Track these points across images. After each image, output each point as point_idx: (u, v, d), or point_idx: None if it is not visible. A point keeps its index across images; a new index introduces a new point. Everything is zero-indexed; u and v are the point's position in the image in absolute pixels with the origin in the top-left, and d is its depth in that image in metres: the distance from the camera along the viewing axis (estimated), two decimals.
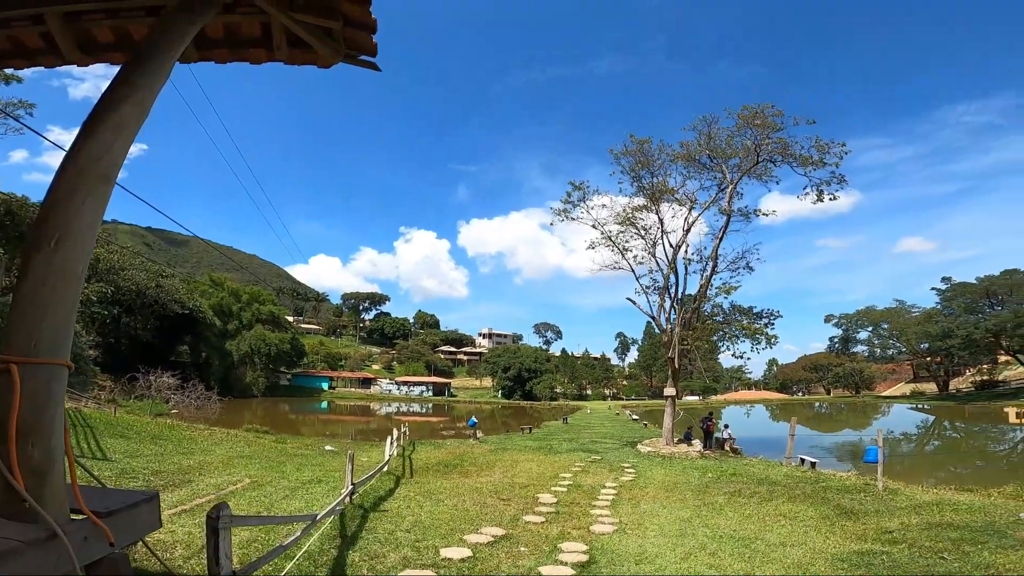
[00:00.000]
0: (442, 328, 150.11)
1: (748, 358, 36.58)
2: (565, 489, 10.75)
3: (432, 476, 12.30)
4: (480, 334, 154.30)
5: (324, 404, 72.40)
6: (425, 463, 14.33)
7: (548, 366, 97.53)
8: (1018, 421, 37.42)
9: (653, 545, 6.64)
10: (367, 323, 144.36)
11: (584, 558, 6.03)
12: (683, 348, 19.66)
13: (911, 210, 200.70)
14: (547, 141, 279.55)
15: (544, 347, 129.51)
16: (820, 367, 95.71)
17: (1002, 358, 59.68)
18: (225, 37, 3.48)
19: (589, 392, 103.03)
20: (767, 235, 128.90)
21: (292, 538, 5.33)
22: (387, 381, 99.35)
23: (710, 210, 20.26)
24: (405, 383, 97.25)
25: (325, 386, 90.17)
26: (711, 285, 19.56)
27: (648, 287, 20.69)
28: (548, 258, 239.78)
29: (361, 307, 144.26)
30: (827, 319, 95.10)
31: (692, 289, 20.29)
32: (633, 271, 20.86)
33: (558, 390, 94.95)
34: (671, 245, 20.06)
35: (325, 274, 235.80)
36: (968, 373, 68.07)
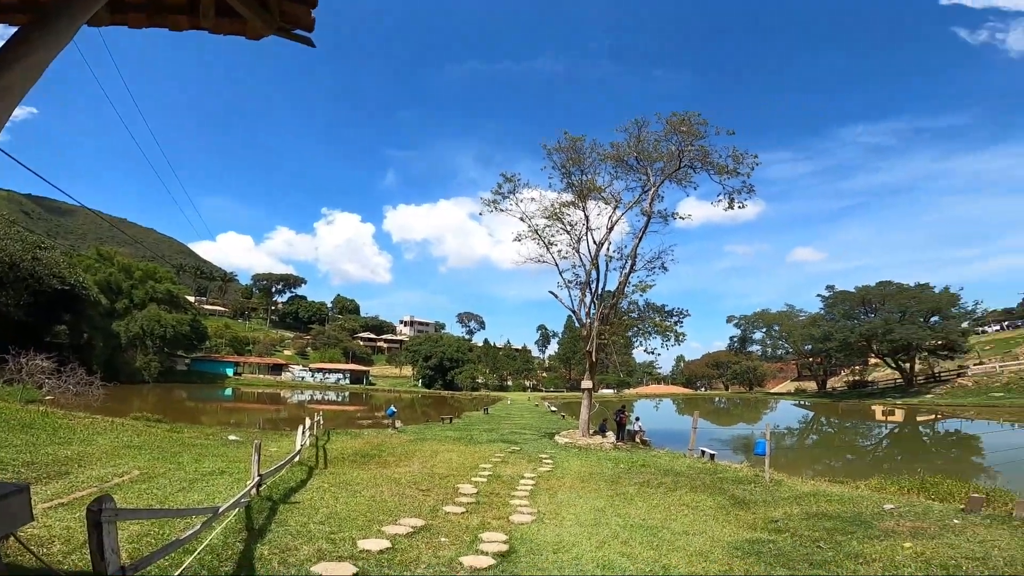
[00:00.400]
0: (362, 314, 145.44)
1: (659, 354, 38.87)
2: (485, 479, 10.79)
3: (348, 467, 11.87)
4: (402, 321, 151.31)
5: (228, 391, 67.78)
6: (341, 453, 13.80)
7: (470, 356, 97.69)
8: (883, 418, 42.54)
9: (570, 534, 6.81)
10: (280, 306, 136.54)
11: (504, 548, 6.06)
12: (601, 342, 20.36)
13: (806, 222, 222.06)
14: (483, 133, 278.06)
15: (467, 337, 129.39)
16: (721, 364, 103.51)
17: (872, 361, 67.53)
18: (146, 1, 3.10)
19: (510, 383, 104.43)
20: (682, 238, 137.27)
21: (190, 532, 4.93)
22: (300, 368, 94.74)
23: (633, 210, 21.11)
24: (320, 370, 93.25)
25: (229, 372, 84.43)
26: (629, 283, 20.39)
27: (570, 282, 21.24)
28: (475, 248, 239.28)
29: (274, 289, 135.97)
30: (729, 320, 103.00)
31: (611, 286, 21.10)
32: (557, 265, 21.32)
33: (480, 380, 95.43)
34: (595, 242, 20.69)
35: (235, 253, 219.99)
36: (843, 373, 76.39)
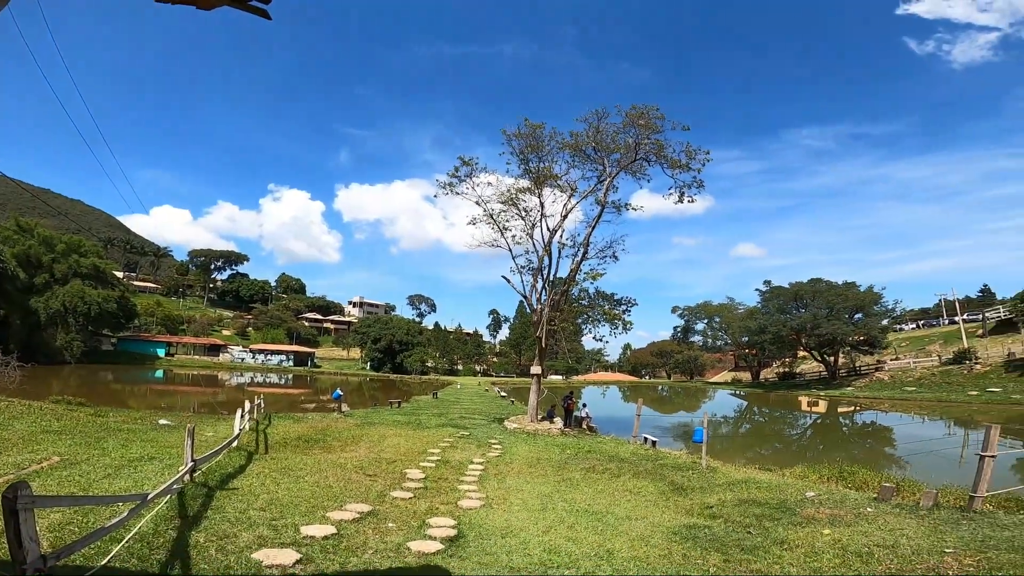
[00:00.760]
0: (308, 294, 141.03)
1: (607, 341, 39.86)
2: (434, 465, 10.74)
3: (291, 452, 11.51)
4: (350, 302, 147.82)
5: (159, 373, 64.24)
6: (283, 438, 13.36)
7: (420, 339, 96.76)
8: (808, 409, 45.44)
9: (517, 519, 6.89)
10: (219, 284, 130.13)
11: (452, 533, 6.07)
12: (551, 328, 20.61)
13: (750, 219, 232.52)
14: (443, 115, 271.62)
15: (417, 320, 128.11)
16: (665, 353, 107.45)
17: (801, 354, 71.91)
18: None
19: (460, 367, 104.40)
20: (633, 228, 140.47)
21: (117, 520, 4.68)
22: (240, 349, 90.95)
23: (588, 199, 21.33)
24: (262, 351, 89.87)
25: (161, 352, 79.95)
26: (580, 270, 20.64)
27: (523, 267, 21.32)
28: (428, 230, 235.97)
29: (213, 266, 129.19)
30: (673, 310, 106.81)
31: (563, 272, 21.29)
32: (510, 250, 21.34)
33: (429, 364, 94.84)
34: (548, 229, 20.82)
35: (170, 227, 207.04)
36: (775, 365, 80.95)
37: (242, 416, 12.97)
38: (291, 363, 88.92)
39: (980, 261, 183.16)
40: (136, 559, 4.58)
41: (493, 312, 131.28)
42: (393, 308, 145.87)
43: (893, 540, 5.77)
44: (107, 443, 10.78)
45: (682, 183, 19.93)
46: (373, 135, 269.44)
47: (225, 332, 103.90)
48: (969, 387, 42.21)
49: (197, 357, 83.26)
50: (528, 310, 22.64)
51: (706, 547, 5.79)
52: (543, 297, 20.92)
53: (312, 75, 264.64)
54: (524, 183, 21.20)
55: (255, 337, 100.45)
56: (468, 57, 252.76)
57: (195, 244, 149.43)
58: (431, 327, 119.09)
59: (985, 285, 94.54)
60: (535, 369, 21.29)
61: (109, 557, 4.41)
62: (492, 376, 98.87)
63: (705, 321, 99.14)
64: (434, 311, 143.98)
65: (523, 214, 21.12)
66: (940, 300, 73.13)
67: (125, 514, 4.92)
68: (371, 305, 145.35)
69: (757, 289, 72.23)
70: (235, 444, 10.99)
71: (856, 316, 59.70)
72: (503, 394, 46.35)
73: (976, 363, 46.39)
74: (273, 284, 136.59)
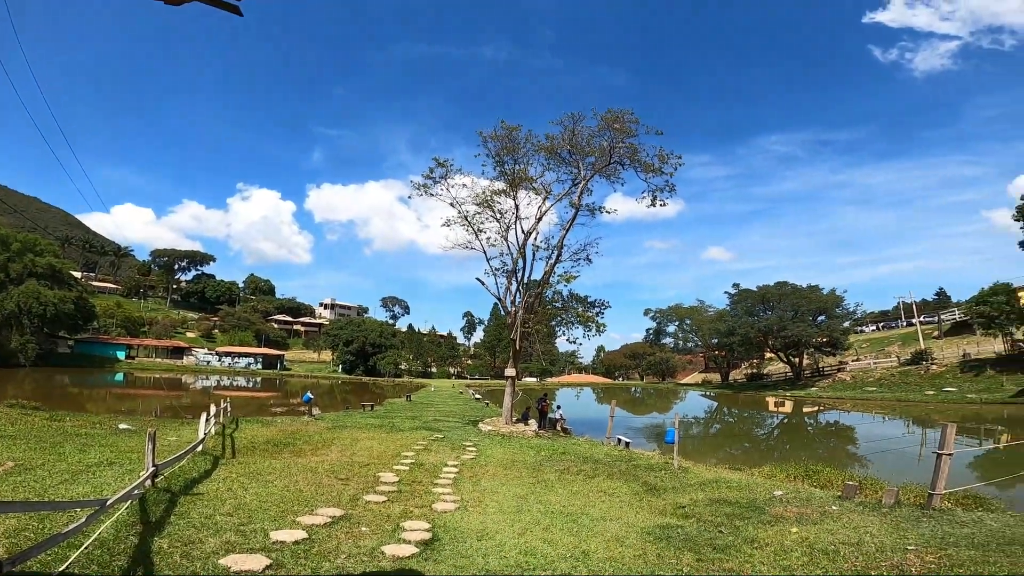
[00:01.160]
0: (278, 295, 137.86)
1: (580, 343, 40.08)
2: (407, 468, 10.60)
3: (259, 456, 11.20)
4: (321, 304, 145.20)
5: (119, 376, 61.84)
6: (251, 442, 13.01)
7: (394, 341, 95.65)
8: (775, 409, 46.70)
9: (493, 522, 6.84)
10: (183, 285, 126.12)
11: (427, 536, 5.99)
12: (525, 331, 20.64)
13: (719, 223, 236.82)
14: (419, 117, 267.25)
15: (391, 322, 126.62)
16: (637, 355, 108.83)
17: (768, 355, 73.83)
18: None
19: (434, 370, 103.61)
20: (607, 231, 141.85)
21: (75, 525, 4.50)
22: (205, 351, 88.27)
23: (562, 202, 21.45)
24: (228, 354, 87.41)
25: (121, 355, 77.04)
26: (554, 272, 20.74)
27: (497, 269, 21.30)
28: (402, 231, 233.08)
29: (177, 266, 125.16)
30: (646, 312, 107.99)
31: (537, 275, 21.35)
32: (485, 252, 21.30)
33: (403, 366, 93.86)
34: (523, 231, 20.86)
35: (132, 226, 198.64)
36: (743, 366, 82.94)
37: (207, 420, 12.57)
38: (259, 366, 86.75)
39: (937, 265, 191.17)
40: (96, 565, 4.42)
41: (467, 314, 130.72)
42: (366, 310, 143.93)
43: (858, 538, 5.93)
44: (64, 448, 10.30)
45: (655, 187, 20.25)
46: (348, 135, 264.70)
47: (189, 334, 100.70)
48: (926, 387, 44.02)
49: (159, 360, 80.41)
50: (502, 312, 22.62)
51: (679, 547, 5.85)
52: (517, 299, 20.93)
53: (286, 73, 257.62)
54: (499, 185, 21.23)
55: (221, 339, 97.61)
56: (446, 58, 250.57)
57: (158, 244, 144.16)
58: (405, 329, 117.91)
59: (941, 288, 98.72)
60: (509, 371, 21.28)
61: (68, 563, 4.25)
62: (466, 378, 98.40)
63: (676, 323, 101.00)
64: (408, 313, 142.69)
65: (498, 216, 21.12)
66: (899, 303, 76.31)
67: (83, 520, 4.75)
68: (343, 307, 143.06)
69: (726, 292, 73.95)
70: (200, 448, 10.64)
71: (820, 318, 61.61)
72: (477, 396, 46.17)
73: (932, 364, 48.41)
74: (241, 285, 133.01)
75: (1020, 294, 47.58)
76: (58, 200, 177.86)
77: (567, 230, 20.66)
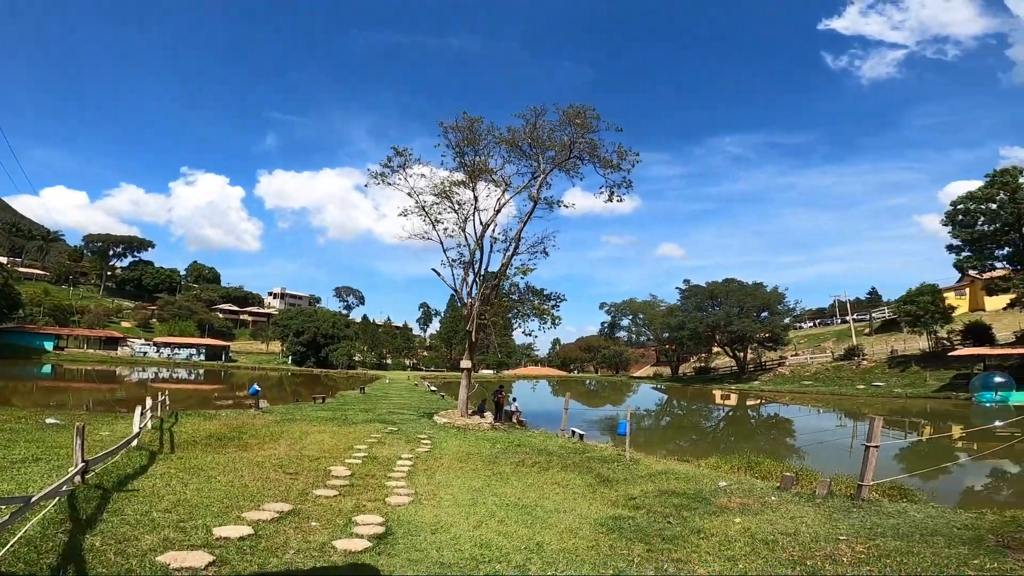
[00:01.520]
0: (223, 284, 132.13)
1: (536, 336, 40.33)
2: (360, 461, 10.37)
3: (201, 451, 10.69)
4: (271, 293, 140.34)
5: (47, 368, 57.71)
6: (192, 436, 12.39)
7: (347, 332, 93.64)
8: (721, 402, 48.71)
9: (448, 514, 6.79)
10: (119, 272, 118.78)
11: (380, 530, 5.86)
12: (481, 322, 20.61)
13: (673, 220, 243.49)
14: (382, 105, 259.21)
15: (344, 312, 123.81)
16: (592, 348, 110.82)
17: (715, 349, 76.90)
18: None
19: (389, 361, 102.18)
20: (564, 225, 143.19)
21: None
22: (142, 342, 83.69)
23: (521, 195, 21.46)
24: (167, 345, 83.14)
25: (49, 346, 71.96)
26: (511, 265, 20.77)
27: (454, 260, 21.14)
28: (358, 220, 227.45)
29: (112, 252, 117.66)
30: (601, 306, 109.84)
31: (494, 267, 21.34)
32: (442, 243, 21.10)
33: (357, 358, 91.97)
34: (481, 223, 20.79)
35: (64, 210, 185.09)
36: (692, 360, 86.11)
37: (142, 413, 11.90)
38: (202, 357, 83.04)
39: (871, 266, 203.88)
40: (23, 563, 4.13)
41: (424, 305, 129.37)
42: (318, 300, 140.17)
43: (795, 528, 6.20)
44: None
45: (612, 182, 20.53)
46: (304, 121, 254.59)
47: (125, 324, 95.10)
48: (857, 381, 46.97)
49: (92, 351, 75.61)
50: (459, 304, 22.49)
51: (631, 537, 5.96)
52: (474, 291, 20.84)
53: (241, 55, 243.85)
54: (459, 176, 21.03)
55: (160, 329, 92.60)
56: (413, 47, 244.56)
57: (92, 229, 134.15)
58: (359, 320, 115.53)
59: (873, 288, 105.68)
60: (465, 363, 21.20)
61: None
62: (422, 370, 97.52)
63: (630, 317, 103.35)
64: (362, 304, 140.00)
65: (456, 207, 20.94)
66: (834, 301, 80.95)
67: (7, 517, 4.45)
68: (294, 296, 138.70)
69: (677, 287, 76.32)
70: (135, 443, 10.06)
71: (763, 314, 64.58)
72: (433, 389, 45.83)
73: (863, 359, 51.68)
74: (183, 273, 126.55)
75: (945, 295, 51.57)
76: None
77: (525, 223, 20.73)
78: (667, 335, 76.74)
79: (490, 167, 20.88)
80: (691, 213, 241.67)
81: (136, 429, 10.73)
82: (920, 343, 50.03)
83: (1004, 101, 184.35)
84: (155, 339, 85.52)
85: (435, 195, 20.87)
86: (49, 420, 14.29)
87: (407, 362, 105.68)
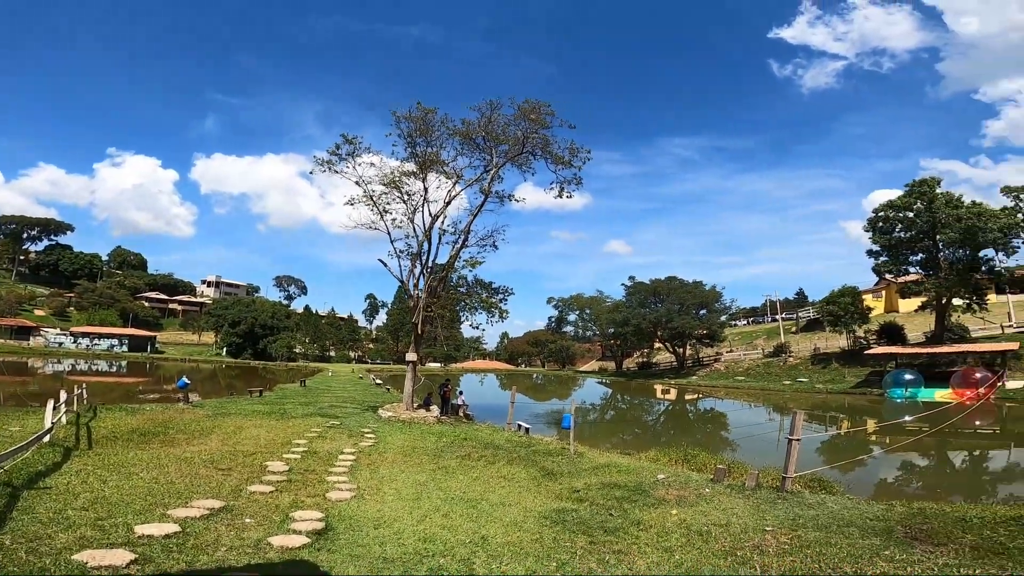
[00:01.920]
0: (151, 271, 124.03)
1: (484, 329, 40.25)
2: (299, 456, 10.01)
3: (122, 447, 9.99)
4: (204, 282, 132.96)
5: None
6: (112, 431, 11.57)
7: (288, 323, 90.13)
8: (662, 396, 50.48)
9: (391, 509, 6.67)
10: (33, 256, 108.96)
11: (320, 526, 5.68)
12: (428, 315, 20.41)
13: (621, 218, 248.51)
14: (335, 92, 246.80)
15: (285, 302, 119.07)
16: (540, 342, 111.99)
17: (657, 345, 79.57)
18: None
19: (333, 354, 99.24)
20: (515, 219, 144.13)
21: None
22: (58, 331, 77.34)
23: (472, 188, 21.31)
24: (86, 335, 77.23)
25: None
26: (460, 257, 20.65)
27: (402, 252, 20.80)
28: (303, 208, 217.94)
29: (26, 235, 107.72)
30: (549, 301, 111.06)
31: (443, 259, 21.11)
32: (389, 234, 20.71)
33: (298, 350, 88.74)
34: (431, 214, 20.53)
35: None
36: (636, 355, 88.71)
37: (55, 407, 10.99)
38: (125, 349, 77.70)
39: (800, 268, 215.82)
40: None
41: (370, 297, 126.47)
42: (257, 289, 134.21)
43: (726, 519, 6.48)
44: None
45: (563, 179, 20.76)
46: (249, 104, 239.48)
47: (38, 312, 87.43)
48: (784, 377, 49.93)
49: (1, 340, 69.03)
50: (406, 296, 22.12)
51: (574, 530, 6.05)
52: (421, 283, 20.58)
53: (185, 34, 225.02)
54: (410, 167, 20.66)
55: (78, 318, 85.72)
56: (371, 35, 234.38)
57: (5, 210, 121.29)
58: (301, 310, 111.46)
59: (801, 289, 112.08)
60: (411, 356, 20.90)
61: None
62: (368, 363, 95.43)
63: (577, 313, 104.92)
64: (305, 294, 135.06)
65: (405, 198, 20.58)
66: (766, 301, 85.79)
67: None
68: (230, 285, 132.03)
69: (623, 284, 78.09)
70: (47, 439, 9.27)
71: (701, 312, 67.40)
72: (378, 382, 44.94)
73: (790, 356, 55.00)
74: (105, 258, 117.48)
75: (863, 297, 55.62)
76: None
77: (475, 215, 20.63)
78: (612, 331, 78.45)
79: (442, 159, 20.63)
80: (639, 212, 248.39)
81: (48, 424, 9.90)
82: (840, 341, 53.66)
83: (929, 114, 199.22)
84: (72, 328, 79.24)
85: (384, 185, 20.41)
86: None
87: (352, 355, 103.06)
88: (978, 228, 36.16)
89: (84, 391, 15.69)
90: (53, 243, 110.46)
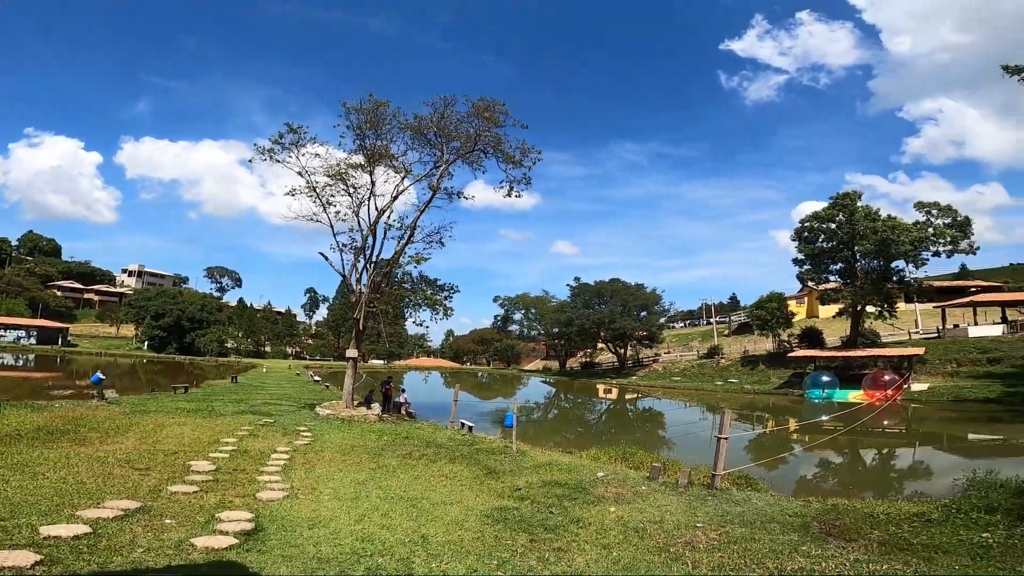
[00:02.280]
0: (65, 258, 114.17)
1: (428, 327, 39.68)
2: (228, 455, 9.50)
3: (26, 445, 9.11)
4: (126, 271, 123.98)
5: None
6: (16, 429, 10.53)
7: (219, 316, 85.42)
8: (603, 395, 51.70)
9: (327, 509, 6.47)
10: None
11: (249, 526, 5.41)
12: (370, 310, 19.95)
13: (570, 219, 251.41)
14: (284, 80, 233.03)
15: (217, 295, 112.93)
16: (486, 341, 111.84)
17: (600, 345, 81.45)
18: None
19: (268, 349, 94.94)
20: (464, 217, 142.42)
21: None
22: None
23: (421, 183, 21.02)
24: None
25: None
26: (405, 253, 20.32)
27: (345, 245, 20.23)
28: (242, 197, 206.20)
29: None
30: (495, 299, 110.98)
31: (388, 254, 20.72)
32: (332, 227, 20.07)
33: (230, 345, 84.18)
34: (376, 208, 20.08)
35: None
36: (579, 355, 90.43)
37: None
38: (33, 341, 71.10)
39: (734, 273, 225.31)
40: None
41: (310, 291, 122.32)
42: (185, 280, 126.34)
43: (661, 516, 6.73)
44: None
45: (513, 178, 20.83)
46: (186, 87, 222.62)
47: None
48: (716, 378, 52.37)
49: None
50: (348, 290, 21.50)
51: (515, 528, 6.08)
52: (364, 278, 20.09)
53: (125, 14, 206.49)
54: (357, 159, 20.12)
55: None
56: (327, 23, 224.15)
57: None
58: (234, 303, 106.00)
59: (734, 293, 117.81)
60: (351, 352, 20.34)
61: None
62: (306, 359, 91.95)
63: (523, 312, 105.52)
64: (239, 286, 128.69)
65: (351, 191, 20.02)
66: (703, 304, 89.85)
67: None
68: (154, 275, 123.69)
69: (569, 284, 79.22)
70: None
71: (642, 314, 69.65)
72: (317, 379, 43.37)
73: (722, 358, 57.78)
74: (14, 244, 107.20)
75: (788, 302, 59.25)
76: None
77: (422, 211, 20.36)
78: (557, 330, 79.54)
79: (392, 152, 20.22)
80: (587, 213, 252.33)
81: None
82: (767, 344, 56.99)
83: (856, 129, 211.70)
84: None
85: (329, 176, 19.77)
86: None
87: (289, 350, 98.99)
88: (892, 241, 39.36)
89: None
90: None
